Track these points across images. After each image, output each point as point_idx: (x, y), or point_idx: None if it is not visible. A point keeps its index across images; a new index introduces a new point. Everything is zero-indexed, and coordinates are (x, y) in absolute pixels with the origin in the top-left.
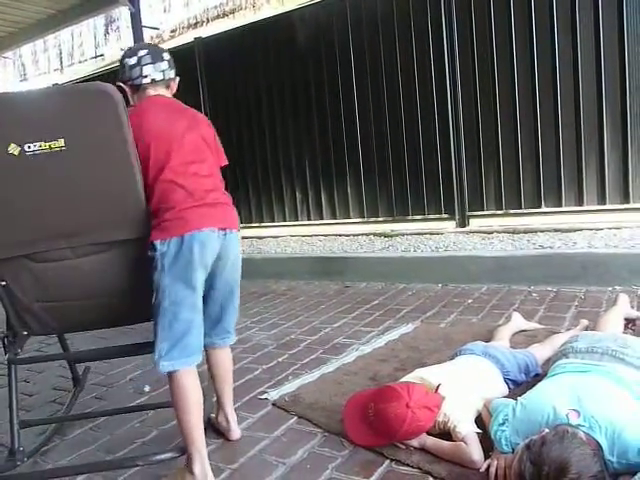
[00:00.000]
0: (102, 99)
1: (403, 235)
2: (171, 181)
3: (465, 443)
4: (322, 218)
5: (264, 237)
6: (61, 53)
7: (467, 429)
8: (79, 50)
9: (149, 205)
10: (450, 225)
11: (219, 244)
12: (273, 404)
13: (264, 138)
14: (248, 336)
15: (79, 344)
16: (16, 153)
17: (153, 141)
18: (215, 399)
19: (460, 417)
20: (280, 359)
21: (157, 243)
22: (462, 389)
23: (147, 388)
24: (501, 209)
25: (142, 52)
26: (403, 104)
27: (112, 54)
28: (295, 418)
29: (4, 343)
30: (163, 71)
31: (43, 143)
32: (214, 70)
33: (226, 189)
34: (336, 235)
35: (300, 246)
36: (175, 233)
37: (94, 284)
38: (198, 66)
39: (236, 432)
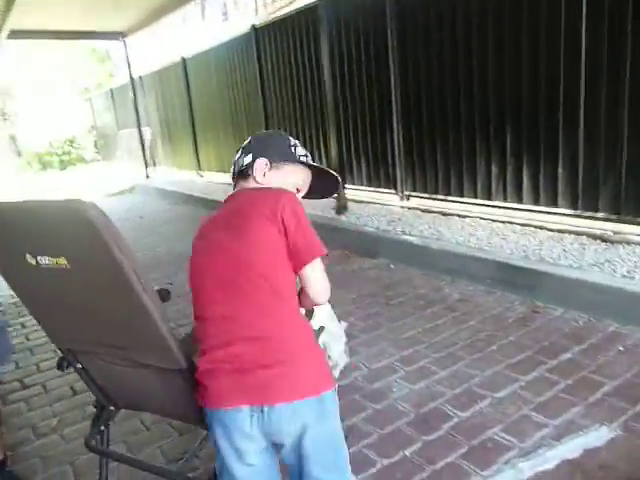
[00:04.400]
0: (81, 222)
1: (630, 244)
2: (200, 327)
3: None
4: (521, 201)
5: (449, 214)
6: None
7: None
8: None
9: None
10: None
11: (255, 425)
12: None
13: (458, 98)
14: (385, 385)
15: None
16: (34, 263)
17: (190, 279)
18: None
19: None
20: (408, 450)
21: None
22: None
23: None
24: None
25: None
26: None
27: None
28: None
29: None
30: (235, 162)
31: (50, 258)
32: (405, 23)
33: (409, 151)
34: (536, 227)
35: (488, 236)
36: (202, 401)
37: (142, 391)
38: (388, 20)
39: None
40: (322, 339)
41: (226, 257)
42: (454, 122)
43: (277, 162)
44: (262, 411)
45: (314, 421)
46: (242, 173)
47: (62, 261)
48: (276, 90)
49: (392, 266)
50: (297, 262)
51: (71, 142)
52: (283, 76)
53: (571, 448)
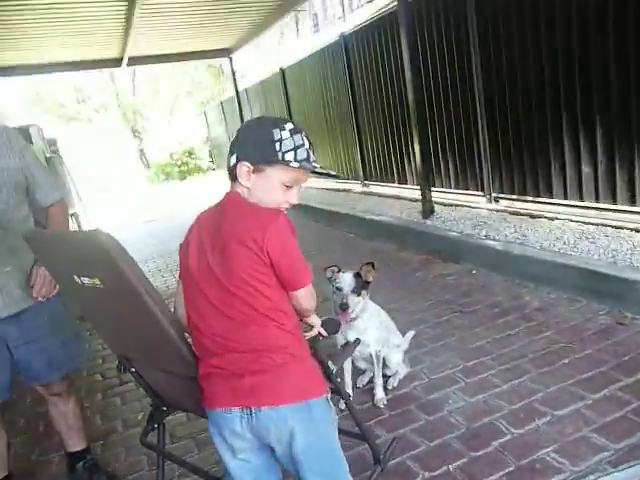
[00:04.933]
0: (98, 250)
1: None
2: (195, 335)
3: None
4: (615, 202)
5: (538, 216)
6: (343, 1)
7: None
8: None
9: None
10: None
11: (243, 426)
12: None
13: (544, 94)
14: (442, 397)
15: None
16: (79, 283)
17: (182, 276)
18: None
19: None
20: (452, 465)
21: None
22: None
23: None
24: None
25: None
26: None
27: None
28: None
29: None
30: (228, 159)
31: (89, 278)
32: (487, 20)
33: (496, 151)
34: (631, 229)
35: (576, 240)
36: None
37: (175, 393)
38: (469, 18)
39: None
40: (375, 348)
41: (217, 287)
42: (540, 119)
43: (260, 164)
44: (251, 414)
45: (302, 427)
46: (230, 173)
47: (97, 281)
48: (365, 94)
49: (474, 272)
50: (285, 287)
51: (189, 153)
52: (371, 80)
53: (628, 476)
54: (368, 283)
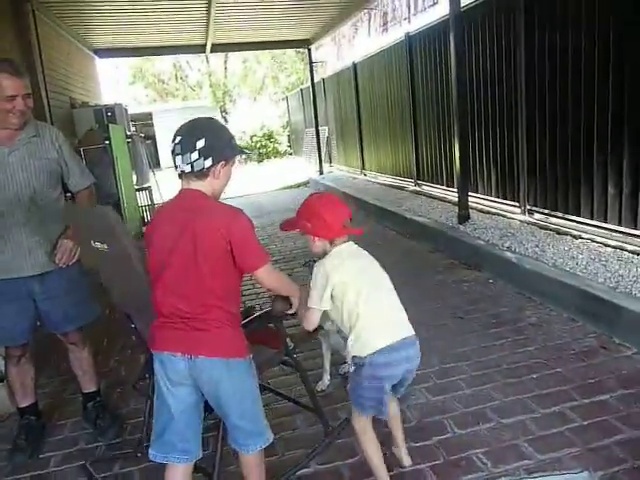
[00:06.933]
0: (103, 220)
1: None
2: (154, 297)
3: None
4: (635, 227)
5: (564, 233)
6: (409, 2)
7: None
8: None
9: None
10: None
11: (184, 368)
12: None
13: (579, 116)
14: (408, 393)
15: None
16: (94, 246)
17: (152, 254)
18: None
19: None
20: (390, 451)
21: None
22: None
23: None
24: None
25: (177, 139)
26: None
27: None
28: None
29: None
30: (191, 163)
31: (100, 244)
32: (533, 43)
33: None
34: None
35: (589, 261)
36: (150, 346)
37: None
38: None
39: None
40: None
41: (183, 268)
42: (574, 139)
43: (230, 160)
44: (191, 359)
45: (228, 375)
46: (199, 173)
47: (105, 246)
48: (423, 95)
49: (491, 281)
50: (246, 269)
51: (269, 137)
52: (428, 82)
53: None
54: None
